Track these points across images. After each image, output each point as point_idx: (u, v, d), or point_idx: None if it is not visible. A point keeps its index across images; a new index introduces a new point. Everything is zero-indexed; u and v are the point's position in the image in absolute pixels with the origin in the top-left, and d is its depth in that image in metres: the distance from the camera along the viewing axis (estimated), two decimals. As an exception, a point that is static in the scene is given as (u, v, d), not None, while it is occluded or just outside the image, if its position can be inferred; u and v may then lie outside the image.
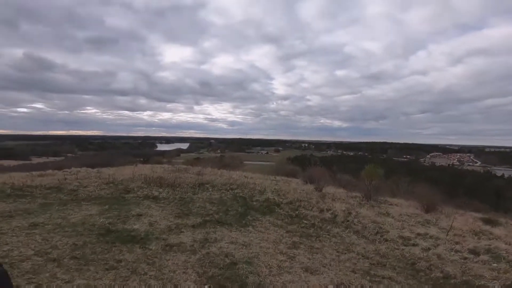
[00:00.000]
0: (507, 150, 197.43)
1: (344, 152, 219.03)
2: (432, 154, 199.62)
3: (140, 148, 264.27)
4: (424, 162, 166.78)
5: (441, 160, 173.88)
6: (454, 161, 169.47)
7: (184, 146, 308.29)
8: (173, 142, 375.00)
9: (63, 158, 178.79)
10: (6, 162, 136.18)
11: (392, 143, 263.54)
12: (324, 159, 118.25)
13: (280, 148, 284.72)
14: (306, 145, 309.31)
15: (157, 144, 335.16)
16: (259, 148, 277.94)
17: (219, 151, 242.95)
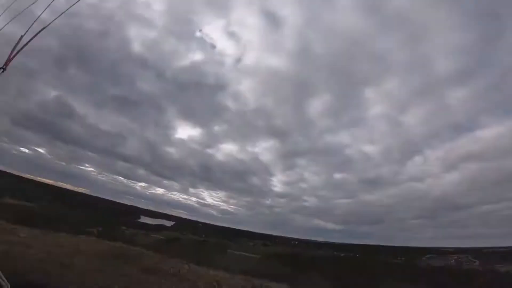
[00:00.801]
0: (507, 249, 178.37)
1: (335, 253, 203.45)
2: (428, 256, 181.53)
3: (121, 216, 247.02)
4: (420, 264, 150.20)
5: (437, 262, 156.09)
6: (452, 261, 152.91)
7: (169, 223, 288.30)
8: (159, 217, 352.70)
9: (34, 204, 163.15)
10: None
11: (386, 246, 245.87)
12: (314, 258, 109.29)
13: (269, 243, 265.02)
14: (296, 242, 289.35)
15: (141, 216, 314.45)
16: (246, 239, 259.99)
17: (204, 235, 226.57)
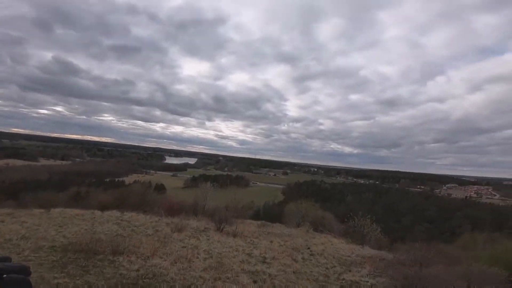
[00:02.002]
0: None
1: (355, 179, 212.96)
2: (448, 185, 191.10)
3: (148, 159, 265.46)
4: (440, 194, 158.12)
5: (457, 192, 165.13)
6: (472, 193, 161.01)
7: (192, 160, 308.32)
8: (182, 156, 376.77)
9: (70, 162, 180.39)
10: (12, 162, 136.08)
11: (405, 172, 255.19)
12: (335, 186, 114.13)
13: (288, 171, 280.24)
14: (315, 169, 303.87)
15: (166, 157, 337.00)
16: (267, 169, 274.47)
17: (226, 169, 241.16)
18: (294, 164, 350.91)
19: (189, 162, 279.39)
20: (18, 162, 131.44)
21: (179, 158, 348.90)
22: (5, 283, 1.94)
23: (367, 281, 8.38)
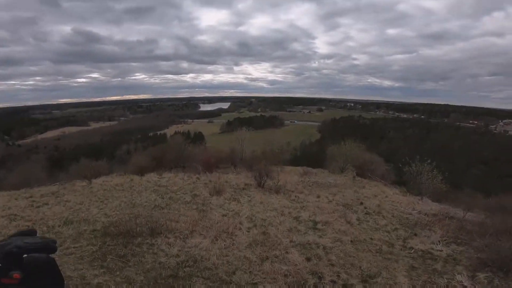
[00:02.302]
0: None
1: (397, 114, 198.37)
2: (505, 121, 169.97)
3: (184, 109, 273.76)
4: (495, 130, 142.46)
5: None
6: None
7: (225, 105, 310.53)
8: (215, 102, 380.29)
9: (116, 122, 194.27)
10: (68, 129, 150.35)
11: (455, 106, 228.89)
12: (375, 121, 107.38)
13: (323, 107, 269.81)
14: (352, 104, 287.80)
15: (200, 105, 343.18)
16: (300, 107, 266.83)
17: (259, 110, 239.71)
18: (329, 100, 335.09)
19: (223, 107, 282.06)
20: (72, 129, 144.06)
21: (212, 104, 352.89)
22: (25, 265, 1.65)
23: (441, 250, 7.05)
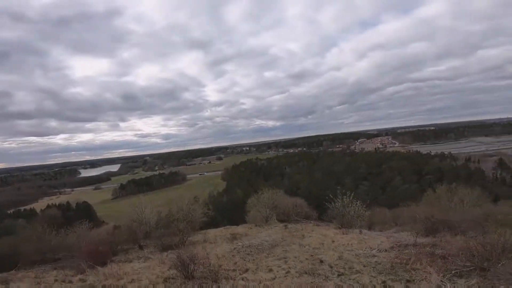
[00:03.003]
0: (413, 129, 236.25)
1: (285, 150, 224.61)
2: (359, 140, 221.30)
3: (58, 178, 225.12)
4: (355, 149, 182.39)
5: (367, 145, 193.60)
6: (378, 144, 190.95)
7: (115, 168, 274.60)
8: (100, 165, 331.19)
9: None
10: None
11: (325, 134, 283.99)
12: (271, 161, 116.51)
13: (222, 156, 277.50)
14: (247, 148, 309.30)
15: (80, 170, 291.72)
16: (200, 158, 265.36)
17: (156, 168, 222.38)
18: (226, 148, 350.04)
19: (111, 170, 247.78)
20: None
21: (97, 169, 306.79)
22: None
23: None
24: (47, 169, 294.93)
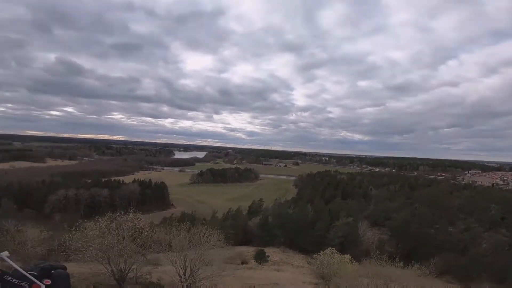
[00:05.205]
0: None
1: (370, 168, 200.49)
2: (471, 171, 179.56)
3: (157, 155, 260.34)
4: (463, 181, 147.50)
5: (482, 179, 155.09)
6: (497, 180, 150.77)
7: (201, 154, 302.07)
8: (191, 150, 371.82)
9: (77, 162, 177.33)
10: (20, 164, 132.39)
11: (423, 158, 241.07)
12: (352, 177, 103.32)
13: (299, 161, 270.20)
14: (327, 158, 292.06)
15: (175, 152, 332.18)
16: (277, 160, 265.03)
17: (235, 161, 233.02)
18: (304, 154, 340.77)
19: (198, 156, 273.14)
20: (25, 164, 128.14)
21: (188, 153, 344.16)
22: (53, 276, 3.45)
23: None
24: (152, 146, 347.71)
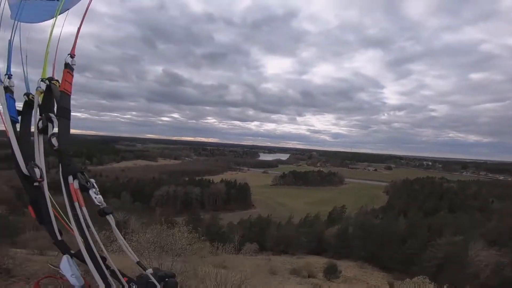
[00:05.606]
0: None
1: (491, 176, 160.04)
2: None
3: (244, 157, 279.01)
4: None
5: None
6: None
7: (285, 156, 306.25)
8: (275, 152, 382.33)
9: (180, 161, 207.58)
10: (139, 162, 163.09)
11: None
12: (465, 185, 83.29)
13: (392, 165, 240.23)
14: (430, 163, 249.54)
15: (260, 154, 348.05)
16: (365, 164, 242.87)
17: (318, 164, 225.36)
18: (399, 157, 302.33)
19: (281, 158, 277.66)
20: (143, 162, 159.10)
21: (272, 155, 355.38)
22: (167, 284, 2.97)
23: None
24: (240, 148, 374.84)
